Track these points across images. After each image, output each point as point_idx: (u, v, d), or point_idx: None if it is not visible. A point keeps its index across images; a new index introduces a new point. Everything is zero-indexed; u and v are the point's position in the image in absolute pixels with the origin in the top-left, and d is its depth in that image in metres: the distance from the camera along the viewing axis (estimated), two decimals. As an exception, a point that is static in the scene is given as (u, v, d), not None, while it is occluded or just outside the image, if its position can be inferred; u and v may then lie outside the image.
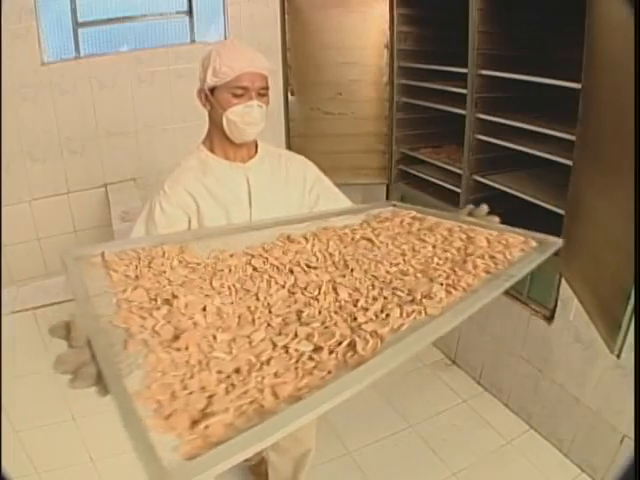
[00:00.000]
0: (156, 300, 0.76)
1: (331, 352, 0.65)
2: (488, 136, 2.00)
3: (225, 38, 2.50)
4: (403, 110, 2.55)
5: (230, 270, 0.88)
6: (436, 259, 0.93)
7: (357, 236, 1.05)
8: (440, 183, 2.31)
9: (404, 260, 0.94)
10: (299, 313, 0.76)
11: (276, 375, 0.60)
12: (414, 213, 1.18)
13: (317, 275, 0.88)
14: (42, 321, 1.27)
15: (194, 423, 0.51)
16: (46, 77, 2.22)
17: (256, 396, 0.56)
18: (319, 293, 0.81)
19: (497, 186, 2.01)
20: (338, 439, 2.04)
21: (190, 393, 0.56)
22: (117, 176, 2.49)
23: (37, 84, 2.21)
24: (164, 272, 0.85)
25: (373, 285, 0.84)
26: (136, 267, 0.86)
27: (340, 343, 0.66)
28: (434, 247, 0.99)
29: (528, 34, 1.95)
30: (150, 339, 0.66)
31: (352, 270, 0.90)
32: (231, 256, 0.93)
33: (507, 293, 2.07)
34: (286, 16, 2.53)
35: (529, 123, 1.81)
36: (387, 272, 0.89)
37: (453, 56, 2.06)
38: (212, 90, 1.12)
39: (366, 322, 0.72)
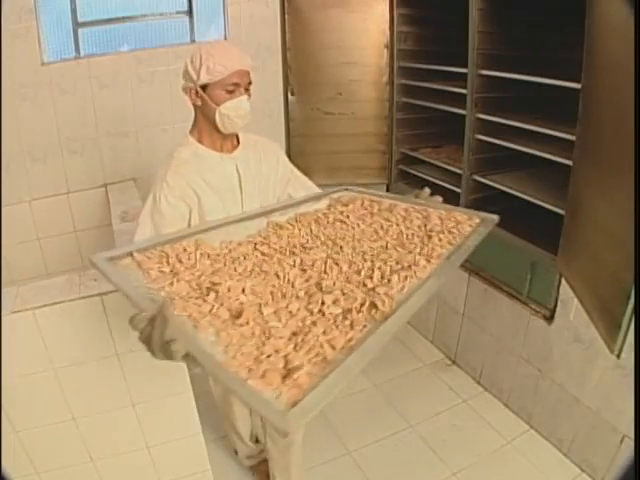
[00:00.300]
0: (200, 289, 0.86)
1: (358, 312, 0.79)
2: (488, 136, 2.01)
3: (225, 38, 2.50)
4: (403, 110, 2.55)
5: (245, 257, 1.00)
6: (405, 235, 1.10)
7: (330, 219, 1.20)
8: (440, 183, 2.31)
9: (379, 237, 1.10)
10: (318, 285, 0.88)
11: (325, 333, 0.73)
12: (370, 196, 1.34)
13: (316, 254, 1.01)
14: (42, 321, 1.27)
15: (284, 377, 0.63)
16: (46, 77, 2.21)
17: (319, 350, 0.69)
18: (326, 268, 0.95)
19: (497, 186, 2.01)
20: (338, 439, 2.04)
21: (269, 356, 0.68)
22: (117, 176, 2.49)
23: (37, 84, 2.20)
24: (194, 265, 0.95)
25: (364, 258, 0.99)
26: (168, 263, 0.95)
27: (363, 304, 0.81)
28: (398, 225, 1.15)
29: (528, 34, 1.95)
30: (213, 320, 0.77)
31: (341, 247, 1.04)
32: (239, 245, 1.05)
33: (507, 293, 2.07)
34: (286, 16, 2.53)
35: (529, 123, 1.81)
36: (370, 247, 1.04)
37: (453, 56, 2.07)
38: (203, 87, 1.21)
39: (375, 287, 0.86)
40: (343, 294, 0.84)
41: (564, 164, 1.63)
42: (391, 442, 2.03)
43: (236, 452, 1.90)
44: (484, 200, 2.11)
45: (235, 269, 0.94)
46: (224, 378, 0.65)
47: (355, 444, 2.01)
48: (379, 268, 0.93)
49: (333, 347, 0.70)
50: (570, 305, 1.76)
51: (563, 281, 1.75)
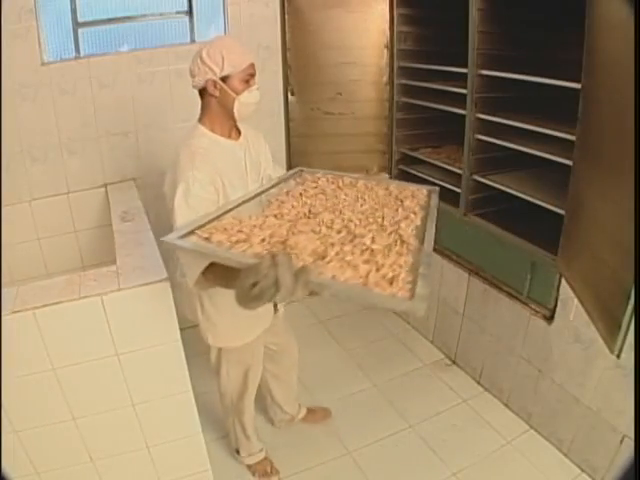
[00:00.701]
0: (274, 247, 0.97)
1: (395, 246, 1.00)
2: (488, 136, 2.00)
3: (225, 38, 2.50)
4: (403, 110, 2.55)
5: (278, 225, 1.09)
6: (382, 201, 1.27)
7: (311, 193, 1.33)
8: (440, 183, 2.31)
9: (362, 203, 1.25)
10: (350, 234, 1.04)
11: (385, 259, 0.93)
12: (329, 175, 1.51)
13: (328, 217, 1.13)
14: (42, 321, 1.27)
15: (391, 284, 0.85)
16: (46, 77, 2.21)
17: (394, 268, 0.90)
18: (344, 223, 1.09)
19: (497, 186, 2.01)
20: (338, 439, 2.04)
21: (367, 276, 0.87)
22: (117, 176, 2.49)
23: (37, 84, 2.20)
24: (252, 232, 1.05)
25: (366, 217, 1.14)
26: (232, 234, 1.03)
27: (396, 241, 1.02)
28: (367, 195, 1.31)
29: (528, 34, 1.95)
30: (303, 264, 0.89)
31: (341, 211, 1.18)
32: (266, 217, 1.14)
33: (507, 293, 2.07)
34: (286, 16, 2.53)
35: (529, 123, 1.81)
36: (363, 210, 1.19)
37: (453, 56, 2.06)
38: (222, 79, 1.28)
39: (392, 231, 1.06)
40: (374, 238, 1.01)
41: (564, 164, 1.63)
42: (391, 442, 2.03)
43: (237, 451, 1.90)
44: (484, 200, 2.11)
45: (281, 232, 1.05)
46: (353, 291, 0.84)
47: (355, 444, 2.02)
48: (383, 220, 1.12)
49: (400, 266, 0.91)
50: (570, 305, 1.76)
51: (563, 281, 1.75)
